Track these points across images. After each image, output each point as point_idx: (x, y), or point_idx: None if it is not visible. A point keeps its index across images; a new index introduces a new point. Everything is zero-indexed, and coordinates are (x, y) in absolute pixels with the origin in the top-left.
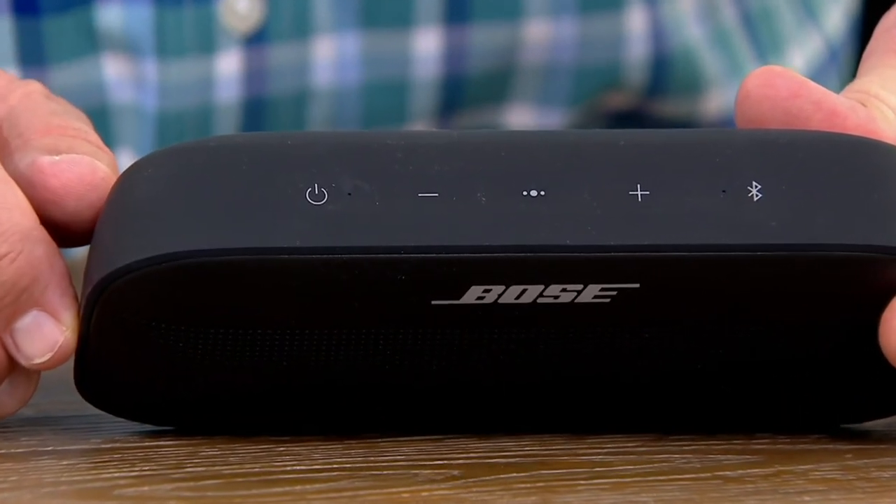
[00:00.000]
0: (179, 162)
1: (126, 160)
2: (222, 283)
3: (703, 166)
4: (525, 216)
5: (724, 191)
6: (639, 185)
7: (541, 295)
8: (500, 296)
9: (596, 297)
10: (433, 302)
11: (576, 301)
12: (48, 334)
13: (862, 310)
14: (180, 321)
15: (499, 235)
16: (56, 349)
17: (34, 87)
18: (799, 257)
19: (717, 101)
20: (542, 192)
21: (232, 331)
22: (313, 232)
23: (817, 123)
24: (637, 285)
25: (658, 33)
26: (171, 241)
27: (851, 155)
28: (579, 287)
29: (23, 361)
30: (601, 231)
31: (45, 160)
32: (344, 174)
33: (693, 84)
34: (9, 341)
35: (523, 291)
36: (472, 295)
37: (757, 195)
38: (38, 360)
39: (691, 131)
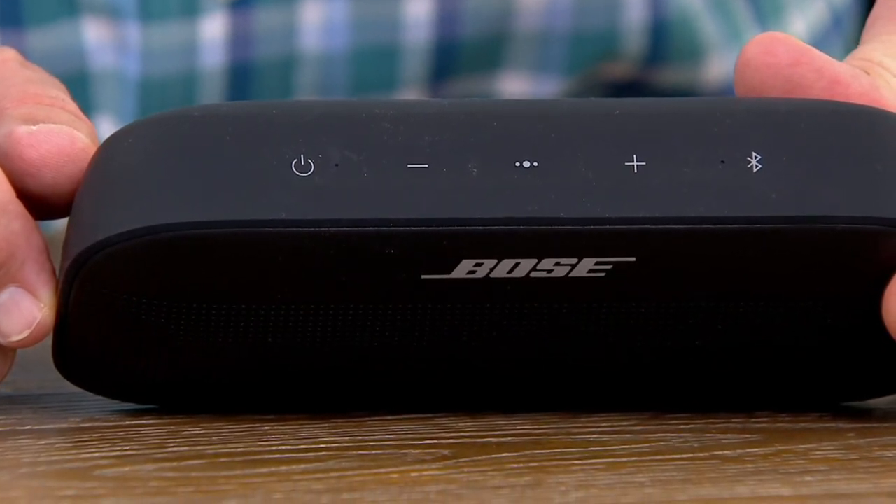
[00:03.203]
0: (161, 132)
1: (107, 127)
2: (205, 256)
3: (702, 136)
4: (517, 188)
5: (722, 161)
6: (635, 156)
7: (534, 269)
8: (492, 270)
9: (591, 271)
10: (423, 276)
11: (570, 275)
12: (25, 311)
13: (865, 284)
14: (162, 296)
15: (490, 207)
16: (34, 326)
17: (9, 54)
18: (800, 230)
19: (716, 69)
20: (535, 163)
21: (216, 306)
22: (299, 204)
23: (819, 92)
24: (633, 259)
25: None
26: (153, 213)
27: (854, 124)
28: (573, 261)
29: None
30: (596, 203)
31: (22, 130)
32: (331, 145)
33: (692, 51)
34: None
35: (516, 265)
36: (463, 269)
37: (757, 166)
38: (15, 338)
39: (689, 100)
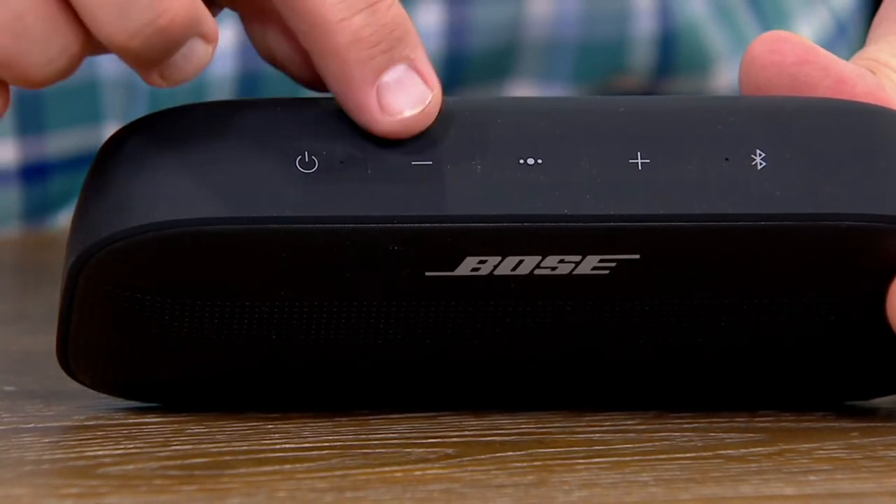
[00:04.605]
0: (165, 128)
1: None
2: (209, 253)
3: (706, 134)
4: (521, 185)
5: (727, 159)
6: (639, 153)
7: (538, 266)
8: (495, 267)
9: (595, 268)
10: (427, 273)
11: (574, 273)
12: (418, 89)
13: (868, 282)
14: (166, 293)
15: (494, 205)
16: (426, 105)
17: None
18: (804, 227)
19: (724, 79)
20: (539, 161)
21: (219, 303)
22: (304, 201)
23: (824, 90)
24: (637, 256)
25: (664, 8)
26: (156, 210)
27: (859, 123)
28: (577, 258)
29: (382, 119)
30: (600, 200)
31: None
32: (335, 142)
33: (700, 61)
34: (371, 95)
35: (520, 263)
36: (466, 266)
37: (761, 163)
38: (407, 114)
39: (693, 98)
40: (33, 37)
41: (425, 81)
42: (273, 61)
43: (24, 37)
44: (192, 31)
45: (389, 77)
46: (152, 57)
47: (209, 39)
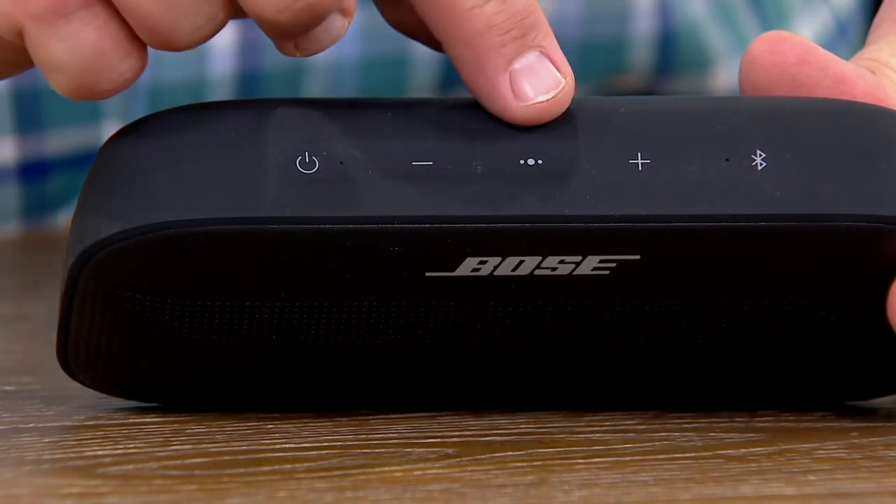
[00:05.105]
0: (165, 128)
1: None
2: (209, 254)
3: (706, 134)
4: (522, 185)
5: (727, 159)
6: (639, 154)
7: (538, 267)
8: (496, 268)
9: (595, 268)
10: (427, 274)
11: (574, 273)
12: (551, 76)
13: (868, 282)
14: (166, 293)
15: (495, 205)
16: (559, 91)
17: None
18: (804, 228)
19: (724, 78)
20: (540, 161)
21: (219, 304)
22: (304, 201)
23: (824, 90)
24: (637, 257)
25: (664, 8)
26: (156, 210)
27: (859, 123)
28: (578, 259)
29: (515, 105)
30: (600, 201)
31: None
32: (335, 142)
33: (700, 61)
34: (504, 82)
35: (520, 263)
36: (467, 267)
37: (761, 164)
38: (539, 99)
39: (694, 98)
40: (185, 5)
41: (558, 69)
42: (405, 30)
43: (177, 5)
44: (336, 6)
45: (521, 63)
46: (296, 31)
47: (347, 13)
